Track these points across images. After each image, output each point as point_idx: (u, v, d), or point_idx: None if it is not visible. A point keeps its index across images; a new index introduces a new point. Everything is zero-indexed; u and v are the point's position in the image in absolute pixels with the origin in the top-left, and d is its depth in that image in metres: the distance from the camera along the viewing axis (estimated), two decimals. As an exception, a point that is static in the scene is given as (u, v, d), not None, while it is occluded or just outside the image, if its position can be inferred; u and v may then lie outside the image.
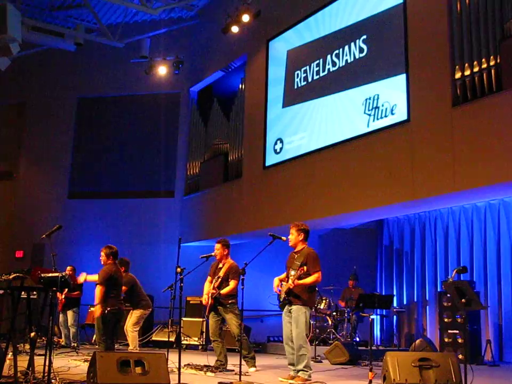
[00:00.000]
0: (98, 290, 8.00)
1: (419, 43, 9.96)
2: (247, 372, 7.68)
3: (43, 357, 5.84)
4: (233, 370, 7.69)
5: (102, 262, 8.28)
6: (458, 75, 9.19)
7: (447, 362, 5.61)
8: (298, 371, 6.88)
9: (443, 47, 9.50)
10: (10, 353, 6.21)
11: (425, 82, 9.75)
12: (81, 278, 9.12)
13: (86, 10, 15.54)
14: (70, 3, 15.66)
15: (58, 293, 11.41)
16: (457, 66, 9.24)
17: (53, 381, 5.39)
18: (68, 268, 11.42)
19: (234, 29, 13.47)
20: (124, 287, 8.69)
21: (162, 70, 15.70)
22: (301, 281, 6.89)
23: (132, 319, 9.22)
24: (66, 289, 11.26)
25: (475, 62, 9.01)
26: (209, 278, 8.32)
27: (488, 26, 9.00)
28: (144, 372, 5.27)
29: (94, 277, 8.62)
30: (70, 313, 11.42)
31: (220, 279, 8.09)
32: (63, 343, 11.43)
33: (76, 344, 11.11)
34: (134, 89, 17.18)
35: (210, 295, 8.06)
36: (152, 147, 16.91)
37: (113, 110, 17.56)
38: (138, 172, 16.93)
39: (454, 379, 5.53)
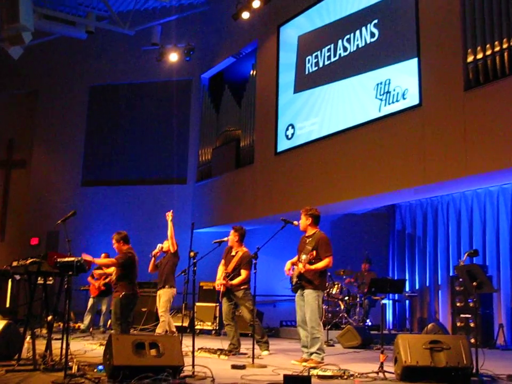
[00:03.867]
0: (109, 262, 8.14)
1: (431, 27, 9.91)
2: (260, 355, 7.77)
3: (60, 341, 5.95)
4: (246, 354, 7.78)
5: (116, 249, 8.35)
6: (470, 58, 9.15)
7: (458, 344, 5.64)
8: (311, 354, 6.97)
9: (455, 30, 9.45)
10: (29, 337, 6.34)
11: (437, 66, 9.71)
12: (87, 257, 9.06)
13: (97, -3, 15.58)
14: (81, -9, 15.70)
15: (96, 280, 11.73)
16: (469, 50, 9.20)
17: (69, 363, 5.48)
18: (102, 255, 11.63)
19: (245, 15, 13.45)
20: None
21: (173, 57, 15.73)
22: (312, 267, 6.96)
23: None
24: (104, 277, 11.58)
25: (488, 45, 8.97)
26: (222, 261, 8.41)
27: (501, 8, 8.93)
28: (158, 354, 5.35)
29: (103, 260, 8.66)
30: (105, 299, 11.72)
31: (232, 269, 8.14)
32: (83, 327, 11.64)
33: (103, 329, 11.44)
34: (146, 76, 17.22)
35: (222, 285, 8.14)
36: (164, 134, 16.97)
37: (125, 98, 17.61)
38: (151, 158, 17.00)
39: (464, 361, 5.56)
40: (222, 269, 8.34)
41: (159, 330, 8.92)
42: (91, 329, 11.49)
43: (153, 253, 9.00)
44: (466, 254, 6.51)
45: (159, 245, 9.09)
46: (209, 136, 16.31)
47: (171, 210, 8.81)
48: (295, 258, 7.25)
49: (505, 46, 8.73)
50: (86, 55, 17.57)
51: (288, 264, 7.29)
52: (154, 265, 9.06)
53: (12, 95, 19.01)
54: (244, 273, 8.08)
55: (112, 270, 8.97)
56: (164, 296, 8.89)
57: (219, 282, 8.23)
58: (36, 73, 18.16)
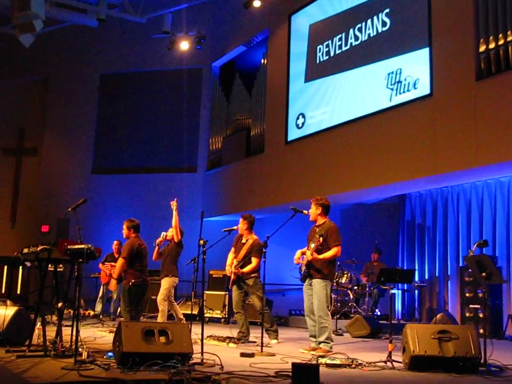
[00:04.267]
0: (119, 263, 8.16)
1: (443, 16, 9.84)
2: (269, 344, 7.81)
3: (70, 327, 6.01)
4: (255, 342, 7.83)
5: (124, 236, 8.42)
6: (482, 48, 9.08)
7: (467, 334, 5.65)
8: (319, 343, 7.00)
9: (467, 20, 9.38)
10: (39, 323, 6.40)
11: (449, 56, 9.65)
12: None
13: (108, -15, 15.55)
14: (92, -22, 15.68)
15: (107, 268, 11.80)
16: (481, 40, 9.13)
17: (80, 349, 5.53)
18: (115, 242, 11.68)
19: (256, 4, 13.42)
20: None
21: (184, 45, 15.71)
22: (320, 256, 6.98)
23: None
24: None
25: (500, 35, 8.89)
26: (232, 249, 8.44)
27: (514, -2, 8.87)
28: (168, 341, 5.40)
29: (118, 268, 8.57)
30: (117, 287, 11.80)
31: (243, 257, 8.17)
32: (96, 313, 11.74)
33: (112, 316, 11.52)
34: (156, 64, 17.22)
35: (233, 273, 8.17)
36: (174, 122, 16.98)
37: (136, 86, 17.64)
38: (161, 147, 17.04)
39: (473, 351, 5.58)
40: (231, 256, 8.38)
41: (159, 319, 8.87)
42: (101, 316, 11.58)
43: (157, 241, 8.98)
44: (476, 245, 6.50)
45: (163, 233, 9.05)
46: (220, 124, 16.32)
47: (176, 199, 8.74)
48: (305, 248, 7.27)
49: (517, 35, 8.67)
50: (97, 43, 17.59)
51: (298, 253, 7.31)
52: (158, 254, 8.97)
53: (23, 83, 19.05)
54: (254, 261, 8.11)
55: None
56: (164, 285, 8.82)
57: (229, 268, 8.26)
58: (46, 61, 18.19)
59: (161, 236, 9.04)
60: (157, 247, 8.95)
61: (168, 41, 15.78)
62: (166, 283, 8.76)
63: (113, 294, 12.06)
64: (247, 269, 8.10)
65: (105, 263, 12.03)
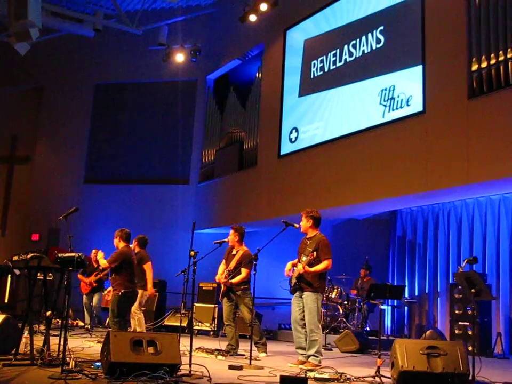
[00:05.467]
0: (102, 265, 8.20)
1: (436, 35, 9.93)
2: (257, 357, 7.79)
3: (57, 337, 5.98)
4: (243, 355, 7.80)
5: (115, 245, 8.40)
6: (475, 67, 9.16)
7: (455, 350, 5.65)
8: (308, 356, 6.99)
9: (460, 39, 9.47)
10: (26, 332, 6.36)
11: (442, 74, 9.73)
12: (98, 255, 9.06)
13: (105, -4, 15.63)
14: (90, -11, 15.75)
15: (88, 278, 11.78)
16: (474, 58, 9.21)
17: (67, 359, 5.50)
18: (93, 250, 11.68)
19: (252, 18, 13.48)
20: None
21: (179, 58, 15.79)
22: (311, 269, 6.99)
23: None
24: (96, 273, 11.65)
25: (492, 54, 8.97)
26: (223, 262, 8.45)
27: (507, 18, 8.93)
28: (156, 352, 5.38)
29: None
30: (97, 296, 11.79)
31: (233, 268, 8.17)
32: (87, 326, 11.67)
33: (99, 326, 11.48)
34: (151, 76, 17.27)
35: (222, 283, 8.18)
36: (168, 134, 17.02)
37: (130, 97, 17.68)
38: (154, 158, 17.06)
39: (461, 368, 5.58)
40: (222, 268, 8.38)
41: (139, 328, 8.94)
42: (85, 326, 11.55)
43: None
44: (465, 261, 6.52)
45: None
46: (213, 137, 16.35)
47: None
48: (296, 260, 7.28)
49: (509, 55, 8.72)
50: (92, 53, 17.63)
51: (288, 265, 7.33)
52: None
53: (17, 91, 19.06)
54: (244, 271, 8.11)
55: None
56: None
57: (220, 277, 8.26)
58: (41, 69, 18.21)
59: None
60: None
61: (163, 53, 15.87)
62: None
63: (93, 302, 11.96)
64: (236, 279, 8.10)
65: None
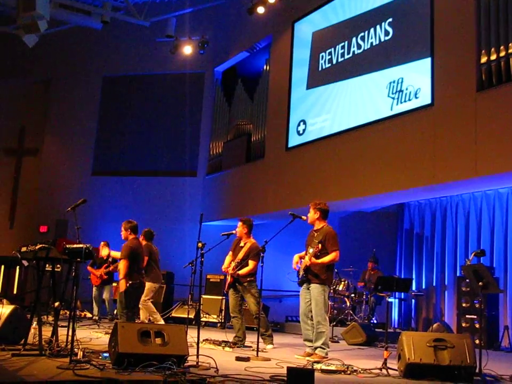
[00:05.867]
0: (122, 265, 8.16)
1: (445, 27, 9.88)
2: (264, 349, 7.81)
3: (65, 328, 6.00)
4: (250, 347, 7.82)
5: (123, 237, 8.43)
6: (484, 60, 9.11)
7: (462, 343, 5.65)
8: (315, 348, 7.00)
9: (469, 31, 9.42)
10: (35, 322, 6.40)
11: (450, 67, 9.68)
12: (104, 251, 9.23)
13: (113, -12, 15.62)
14: (98, -19, 15.74)
15: (98, 269, 11.85)
16: (483, 51, 9.16)
17: (75, 349, 5.53)
18: (102, 243, 11.73)
19: (260, 10, 13.45)
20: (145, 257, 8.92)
21: (187, 50, 15.78)
22: (318, 260, 7.00)
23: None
24: (106, 265, 11.71)
25: (501, 47, 8.92)
26: (230, 253, 8.46)
27: (516, 10, 8.90)
28: (163, 343, 5.40)
29: (117, 253, 8.75)
30: (107, 288, 11.84)
31: (241, 259, 8.18)
32: (95, 317, 11.74)
33: (110, 317, 11.55)
34: (159, 68, 17.27)
35: (230, 274, 8.19)
36: (176, 126, 17.03)
37: (138, 89, 17.69)
38: (162, 150, 17.08)
39: (468, 360, 5.58)
40: (229, 259, 8.39)
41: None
42: (97, 317, 11.58)
43: None
44: (473, 254, 6.51)
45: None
46: (221, 129, 16.35)
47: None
48: (303, 253, 7.28)
49: (518, 48, 8.70)
50: (100, 45, 17.64)
51: (295, 258, 7.34)
52: None
53: (25, 83, 19.08)
54: (251, 263, 8.11)
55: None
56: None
57: (226, 267, 8.27)
58: (49, 61, 18.24)
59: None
60: None
61: (171, 45, 15.86)
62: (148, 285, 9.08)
63: (106, 295, 12.03)
64: (243, 271, 8.10)
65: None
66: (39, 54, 17.16)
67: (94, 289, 12.14)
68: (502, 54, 8.87)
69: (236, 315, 8.24)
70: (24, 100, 18.91)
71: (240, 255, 8.23)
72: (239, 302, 8.28)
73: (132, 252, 8.12)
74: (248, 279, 8.15)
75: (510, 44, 8.81)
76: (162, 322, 9.50)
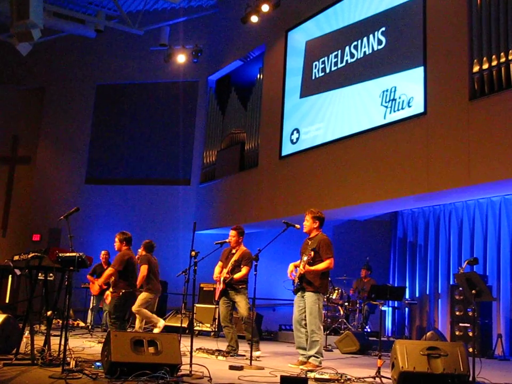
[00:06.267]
0: (107, 272, 8.17)
1: (437, 36, 9.94)
2: (258, 357, 7.78)
3: (58, 337, 5.98)
4: (244, 356, 7.80)
5: (116, 248, 8.42)
6: (476, 69, 9.17)
7: (456, 351, 5.65)
8: (309, 357, 6.98)
9: (461, 40, 9.48)
10: (27, 332, 6.37)
11: (443, 76, 9.74)
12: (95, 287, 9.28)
13: (107, -3, 15.66)
14: (91, -10, 15.79)
15: (95, 278, 11.80)
16: (475, 60, 9.22)
17: (67, 358, 5.50)
18: (103, 252, 11.69)
19: (254, 19, 13.48)
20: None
21: (181, 58, 15.79)
22: (312, 268, 6.99)
23: (137, 301, 9.22)
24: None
25: (493, 56, 8.98)
26: (220, 263, 8.42)
27: (508, 20, 8.95)
28: (157, 352, 5.38)
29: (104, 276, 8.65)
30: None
31: (232, 265, 8.17)
32: (87, 324, 11.68)
33: (104, 327, 11.48)
34: (153, 77, 17.29)
35: (222, 280, 8.16)
36: (169, 135, 17.03)
37: (132, 97, 17.69)
38: (155, 159, 17.07)
39: (461, 369, 5.57)
40: (219, 269, 8.36)
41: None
42: (89, 327, 11.52)
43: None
44: (466, 262, 6.52)
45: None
46: (214, 138, 16.36)
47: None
48: (298, 261, 7.28)
49: (510, 57, 8.73)
50: (94, 53, 17.66)
51: (291, 267, 7.32)
52: None
53: (19, 91, 19.06)
54: (244, 269, 8.09)
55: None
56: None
57: (217, 276, 8.24)
58: (43, 70, 18.24)
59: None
60: None
61: (165, 53, 15.89)
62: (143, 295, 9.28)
63: (105, 306, 11.99)
64: (237, 275, 8.07)
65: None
66: (32, 62, 17.19)
67: (92, 298, 12.09)
68: (494, 63, 8.93)
69: (226, 324, 8.21)
70: (17, 108, 18.89)
71: (232, 261, 8.20)
72: (230, 312, 8.25)
73: (122, 262, 8.10)
74: (240, 286, 8.13)
75: (502, 53, 8.88)
76: (162, 323, 9.49)
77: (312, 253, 6.97)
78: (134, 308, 8.97)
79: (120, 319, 8.00)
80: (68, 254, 5.86)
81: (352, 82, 11.68)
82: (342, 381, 5.89)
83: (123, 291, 7.96)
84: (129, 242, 8.39)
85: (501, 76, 8.83)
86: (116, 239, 8.40)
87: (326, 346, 9.89)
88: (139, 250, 9.81)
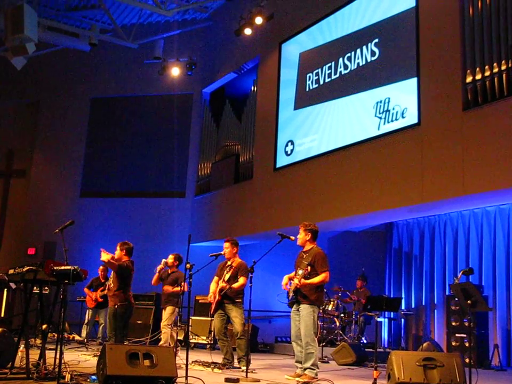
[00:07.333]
0: (113, 264, 8.08)
1: (431, 47, 9.99)
2: (254, 370, 7.74)
3: (53, 351, 5.95)
4: (240, 368, 7.76)
5: (116, 256, 8.33)
6: (469, 79, 9.22)
7: (452, 362, 5.65)
8: (305, 369, 6.95)
9: (454, 51, 9.53)
10: (22, 345, 6.33)
11: (436, 86, 9.78)
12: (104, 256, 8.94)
13: (101, 11, 15.69)
14: (85, 4, 15.81)
15: (94, 293, 11.76)
16: (468, 71, 9.27)
17: (63, 372, 5.47)
18: (101, 267, 11.65)
19: (247, 31, 13.53)
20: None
21: (175, 71, 15.82)
22: (308, 281, 6.97)
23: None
24: (101, 288, 11.63)
25: (486, 67, 9.04)
26: (215, 278, 8.37)
27: (500, 30, 9.01)
28: (152, 365, 5.36)
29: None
30: (102, 312, 11.72)
31: (229, 275, 8.13)
32: (81, 338, 11.62)
33: (100, 341, 11.40)
34: (147, 89, 17.32)
35: (219, 290, 8.12)
36: (164, 147, 17.04)
37: (126, 110, 17.71)
38: (150, 171, 17.06)
39: (458, 379, 5.57)
40: (215, 285, 8.31)
41: (162, 342, 9.21)
42: (86, 340, 11.46)
43: (158, 268, 9.23)
44: (461, 272, 6.52)
45: (164, 260, 9.23)
46: (209, 150, 16.38)
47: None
48: (293, 274, 7.26)
49: (503, 67, 8.80)
50: (88, 67, 17.69)
51: (285, 279, 7.30)
52: (157, 279, 9.38)
53: (14, 105, 19.08)
54: (242, 279, 8.04)
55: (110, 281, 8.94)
56: (168, 311, 9.21)
57: (212, 295, 8.20)
58: (38, 83, 18.25)
59: (162, 262, 9.18)
60: (157, 274, 9.27)
61: (159, 66, 15.93)
62: (170, 310, 9.16)
63: (100, 319, 11.95)
64: (235, 285, 8.01)
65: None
66: (27, 76, 17.20)
67: (88, 311, 12.04)
68: (487, 73, 8.98)
69: (221, 337, 8.16)
70: (12, 122, 18.90)
71: (228, 274, 8.16)
72: (224, 325, 8.21)
73: (125, 269, 8.03)
74: (236, 299, 8.10)
75: (495, 63, 8.93)
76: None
77: (309, 267, 6.96)
78: (162, 324, 9.19)
79: (118, 332, 7.95)
80: (62, 267, 5.84)
81: (346, 94, 11.72)
82: (339, 392, 5.88)
83: (119, 303, 7.90)
84: (130, 253, 8.33)
85: (494, 86, 8.87)
86: (118, 248, 8.34)
87: (322, 358, 9.85)
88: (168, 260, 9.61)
